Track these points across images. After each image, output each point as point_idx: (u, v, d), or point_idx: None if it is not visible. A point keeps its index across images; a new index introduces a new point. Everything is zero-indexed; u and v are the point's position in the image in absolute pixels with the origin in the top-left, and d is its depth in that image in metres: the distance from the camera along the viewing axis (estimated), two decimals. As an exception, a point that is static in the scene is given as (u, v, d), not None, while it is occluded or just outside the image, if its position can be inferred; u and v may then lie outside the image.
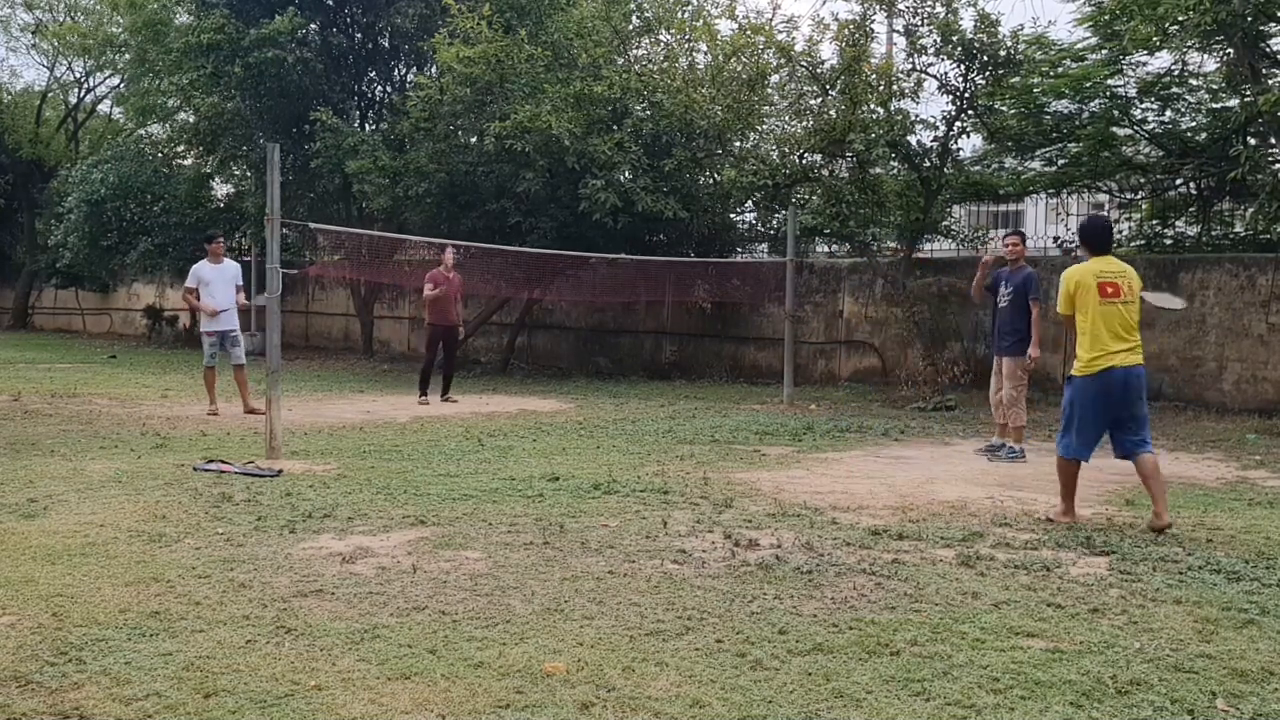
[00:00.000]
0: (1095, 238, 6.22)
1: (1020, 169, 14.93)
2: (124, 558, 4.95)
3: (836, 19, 13.62)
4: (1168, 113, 13.72)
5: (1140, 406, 5.99)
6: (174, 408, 11.47)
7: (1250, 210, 13.34)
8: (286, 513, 5.98)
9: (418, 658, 3.69)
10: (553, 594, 4.46)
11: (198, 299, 11.20)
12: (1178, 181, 13.85)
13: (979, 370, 13.68)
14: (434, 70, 17.05)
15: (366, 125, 19.38)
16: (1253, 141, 12.43)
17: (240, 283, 11.37)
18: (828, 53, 14.61)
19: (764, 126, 15.96)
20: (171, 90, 20.98)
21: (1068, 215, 14.92)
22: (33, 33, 29.17)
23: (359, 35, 19.02)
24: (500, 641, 3.87)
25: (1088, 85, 13.03)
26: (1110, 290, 5.96)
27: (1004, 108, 13.70)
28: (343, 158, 16.64)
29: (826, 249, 17.15)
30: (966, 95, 13.21)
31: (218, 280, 11.14)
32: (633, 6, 17.01)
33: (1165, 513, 5.80)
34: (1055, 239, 14.40)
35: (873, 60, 13.58)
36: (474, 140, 15.40)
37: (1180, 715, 3.30)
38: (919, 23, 13.04)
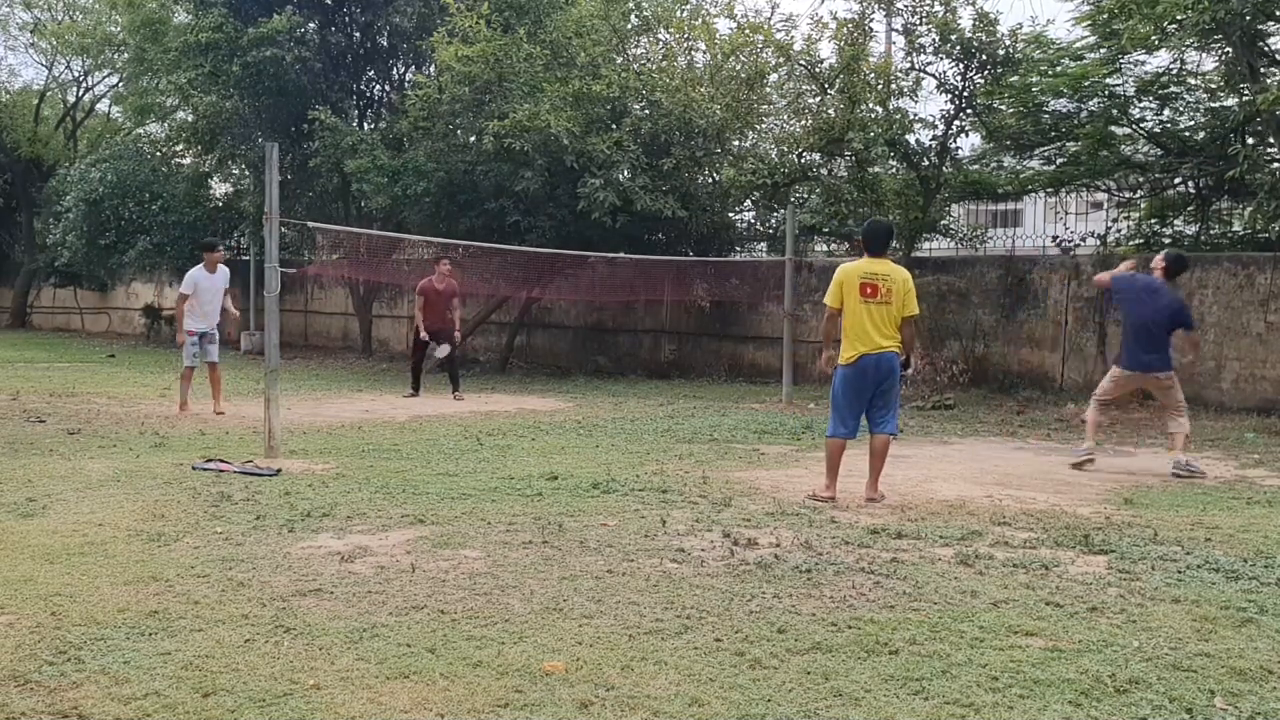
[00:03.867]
0: (873, 239, 6.71)
1: (1019, 168, 14.92)
2: (122, 557, 4.95)
3: (835, 18, 13.65)
4: (1166, 112, 13.71)
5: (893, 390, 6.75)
6: (172, 407, 11.45)
7: (1249, 209, 13.34)
8: (285, 512, 5.98)
9: (416, 657, 3.69)
10: (551, 593, 4.46)
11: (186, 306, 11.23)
12: (1176, 180, 13.85)
13: (977, 369, 13.72)
14: (433, 69, 17.05)
15: (365, 124, 19.39)
16: (1251, 140, 12.44)
17: (227, 286, 11.45)
18: (826, 52, 14.62)
19: (763, 125, 15.96)
20: (170, 89, 20.99)
21: (1066, 214, 14.92)
22: (31, 31, 29.13)
23: (357, 34, 19.02)
24: (499, 640, 3.87)
25: (1086, 84, 13.03)
26: (869, 290, 6.50)
27: (1002, 106, 13.70)
28: (341, 157, 16.64)
29: (825, 248, 17.15)
30: (965, 94, 13.21)
31: (210, 289, 11.23)
32: (631, 5, 16.99)
33: (876, 487, 6.69)
34: (1054, 238, 14.40)
35: (871, 59, 13.59)
36: (472, 139, 15.39)
37: (1179, 714, 3.30)
38: (917, 21, 13.06)
